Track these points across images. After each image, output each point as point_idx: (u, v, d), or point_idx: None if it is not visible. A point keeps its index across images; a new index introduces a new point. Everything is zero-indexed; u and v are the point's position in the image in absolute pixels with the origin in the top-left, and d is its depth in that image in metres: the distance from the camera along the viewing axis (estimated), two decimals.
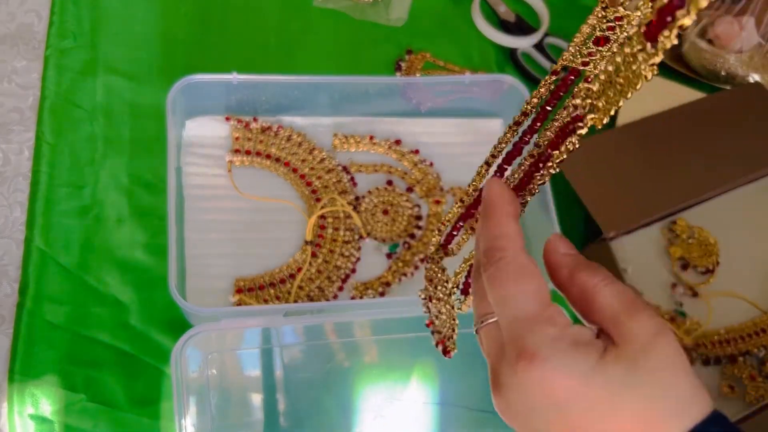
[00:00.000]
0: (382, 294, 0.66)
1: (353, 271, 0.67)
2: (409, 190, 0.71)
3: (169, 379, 0.60)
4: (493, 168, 0.39)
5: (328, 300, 0.64)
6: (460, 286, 0.40)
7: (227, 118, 0.70)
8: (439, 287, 0.38)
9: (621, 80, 0.25)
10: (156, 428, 0.59)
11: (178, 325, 0.61)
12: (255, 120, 0.71)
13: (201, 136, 0.69)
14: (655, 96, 0.74)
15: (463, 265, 0.39)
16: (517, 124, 0.37)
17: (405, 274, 0.67)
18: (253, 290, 0.64)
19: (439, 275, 0.39)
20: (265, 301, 0.64)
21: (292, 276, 0.65)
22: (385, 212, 0.70)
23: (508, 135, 0.38)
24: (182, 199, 0.66)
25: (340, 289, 0.66)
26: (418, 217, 0.70)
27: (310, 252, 0.66)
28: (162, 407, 0.59)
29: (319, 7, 0.81)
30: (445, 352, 0.37)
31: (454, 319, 0.37)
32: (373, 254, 0.68)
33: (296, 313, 0.60)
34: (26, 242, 0.63)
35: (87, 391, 0.58)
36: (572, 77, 0.34)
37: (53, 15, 0.73)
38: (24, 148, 0.67)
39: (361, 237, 0.68)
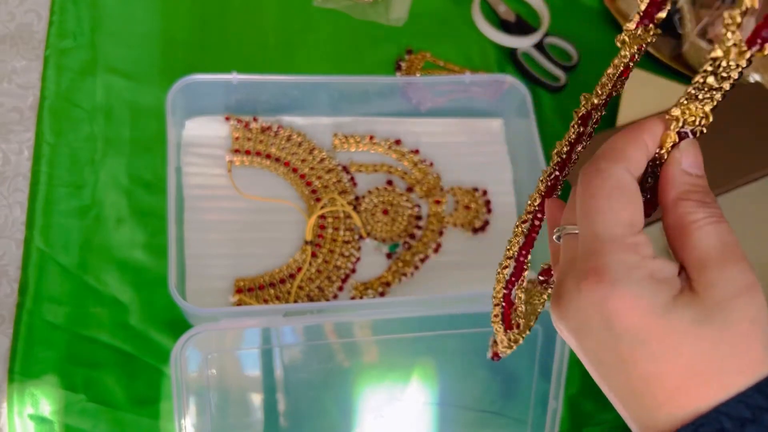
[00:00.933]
0: (382, 294, 0.66)
1: (353, 271, 0.67)
2: (409, 190, 0.71)
3: (168, 380, 0.60)
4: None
5: (328, 300, 0.64)
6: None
7: (227, 118, 0.70)
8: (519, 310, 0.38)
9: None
10: (156, 428, 0.59)
11: (178, 325, 0.61)
12: (255, 120, 0.70)
13: (201, 136, 0.69)
14: (654, 96, 0.74)
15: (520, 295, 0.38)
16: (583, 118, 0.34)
17: (405, 274, 0.67)
18: (252, 290, 0.64)
19: (537, 298, 0.38)
20: (265, 301, 0.63)
21: (292, 276, 0.65)
22: (385, 212, 0.69)
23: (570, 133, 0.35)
24: (182, 199, 0.66)
25: (340, 289, 0.66)
26: (418, 217, 0.70)
27: (310, 252, 0.66)
28: (162, 407, 0.59)
29: (319, 6, 0.81)
30: (496, 355, 0.38)
31: (535, 316, 0.37)
32: (373, 254, 0.68)
33: (296, 313, 0.60)
34: (26, 242, 0.63)
35: (87, 391, 0.58)
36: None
37: (53, 15, 0.73)
38: (24, 148, 0.67)
39: (361, 237, 0.68)
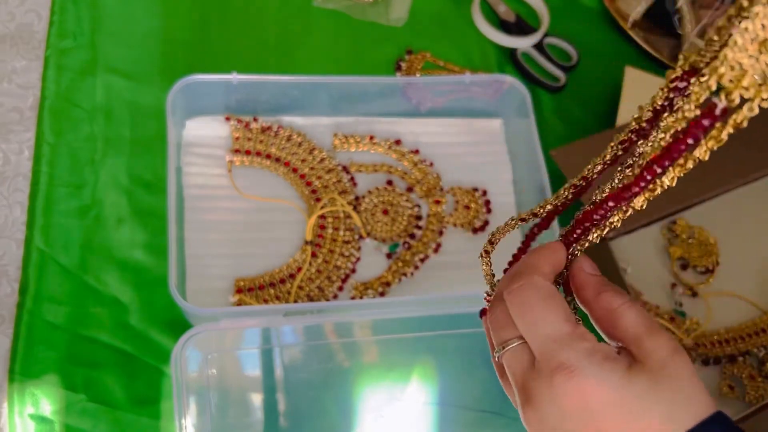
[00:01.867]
0: (382, 294, 0.66)
1: (353, 271, 0.67)
2: (409, 190, 0.71)
3: (169, 379, 0.60)
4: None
5: (328, 300, 0.64)
6: None
7: (227, 118, 0.70)
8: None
9: None
10: (156, 428, 0.59)
11: (178, 325, 0.61)
12: (255, 120, 0.71)
13: (201, 136, 0.69)
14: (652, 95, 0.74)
15: None
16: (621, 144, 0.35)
17: (405, 274, 0.67)
18: (252, 290, 0.64)
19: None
20: (265, 301, 0.64)
21: (292, 276, 0.65)
22: (385, 212, 0.70)
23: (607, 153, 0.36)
24: (182, 199, 0.66)
25: (340, 289, 0.66)
26: (418, 217, 0.70)
27: (310, 252, 0.66)
28: (162, 407, 0.59)
29: (319, 7, 0.81)
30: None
31: None
32: (373, 254, 0.68)
33: (296, 313, 0.60)
34: (26, 242, 0.63)
35: (87, 391, 0.58)
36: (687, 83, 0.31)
37: (53, 15, 0.73)
38: (24, 148, 0.67)
39: (361, 237, 0.68)
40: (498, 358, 0.34)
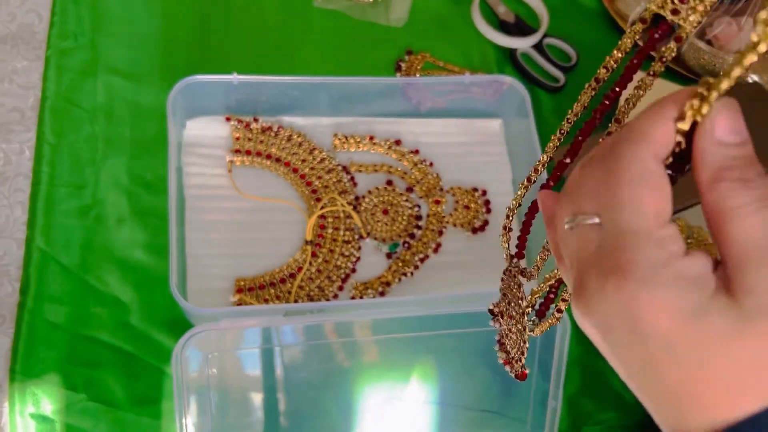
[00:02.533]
0: (382, 294, 0.66)
1: (353, 270, 0.67)
2: (409, 190, 0.72)
3: (169, 379, 0.60)
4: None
5: (328, 300, 0.65)
6: (536, 307, 0.37)
7: (227, 119, 0.70)
8: (513, 304, 0.36)
9: None
10: (156, 428, 0.59)
11: (179, 324, 0.61)
12: (255, 120, 0.71)
13: (201, 136, 0.69)
14: (653, 96, 0.75)
15: (542, 285, 0.36)
16: (597, 81, 0.31)
17: (405, 274, 0.67)
18: (253, 290, 0.64)
19: (515, 290, 0.36)
20: (266, 301, 0.64)
21: (293, 276, 0.65)
22: (385, 212, 0.70)
23: (584, 98, 0.32)
24: (183, 199, 0.66)
25: (340, 288, 0.66)
26: (418, 217, 0.70)
27: (310, 252, 0.66)
28: (162, 407, 0.60)
29: (320, 7, 0.81)
30: (518, 376, 0.35)
31: (524, 342, 0.35)
32: (373, 254, 0.68)
33: (296, 313, 0.60)
34: (27, 242, 0.63)
35: (88, 390, 0.59)
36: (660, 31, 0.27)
37: (54, 15, 0.73)
38: (25, 148, 0.67)
39: (361, 237, 0.68)
40: (568, 228, 0.27)
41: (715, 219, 0.24)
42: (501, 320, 0.37)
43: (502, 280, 0.37)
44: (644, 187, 0.25)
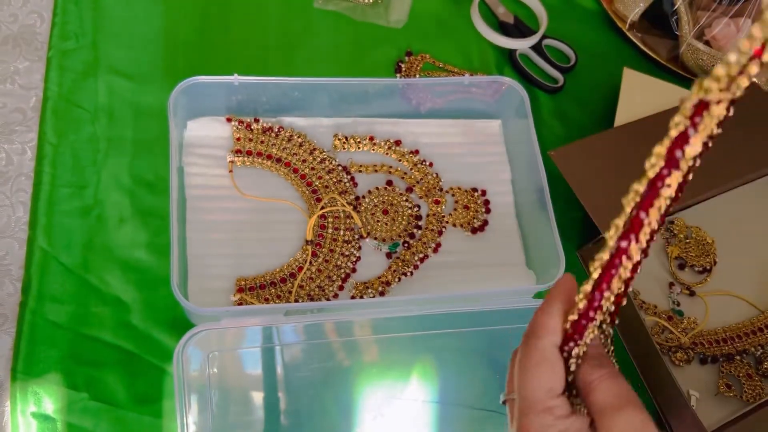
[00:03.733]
0: (382, 293, 0.66)
1: (353, 270, 0.67)
2: (409, 190, 0.72)
3: (170, 378, 0.60)
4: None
5: (328, 299, 0.65)
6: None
7: (228, 119, 0.71)
8: None
9: None
10: (157, 427, 0.59)
11: (180, 324, 0.62)
12: (256, 121, 0.71)
13: (202, 137, 0.70)
14: (652, 96, 0.75)
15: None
16: None
17: (405, 274, 0.68)
18: (254, 289, 0.64)
19: None
20: (266, 301, 0.64)
21: (293, 275, 0.65)
22: (385, 212, 0.70)
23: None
24: (184, 199, 0.66)
25: (341, 288, 0.66)
26: (418, 217, 0.70)
27: (311, 251, 0.66)
28: (163, 406, 0.60)
29: (320, 8, 0.81)
30: None
31: None
32: (373, 254, 0.69)
33: (297, 313, 0.60)
34: (29, 242, 0.63)
35: (89, 389, 0.59)
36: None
37: (55, 16, 0.73)
38: (26, 149, 0.67)
39: (361, 237, 0.69)
40: (502, 402, 0.39)
41: (583, 390, 0.35)
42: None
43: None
44: (542, 368, 0.35)
